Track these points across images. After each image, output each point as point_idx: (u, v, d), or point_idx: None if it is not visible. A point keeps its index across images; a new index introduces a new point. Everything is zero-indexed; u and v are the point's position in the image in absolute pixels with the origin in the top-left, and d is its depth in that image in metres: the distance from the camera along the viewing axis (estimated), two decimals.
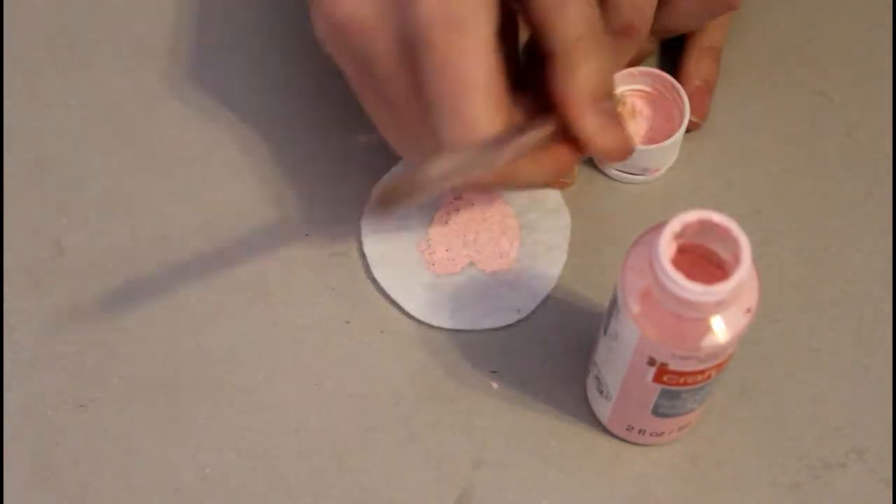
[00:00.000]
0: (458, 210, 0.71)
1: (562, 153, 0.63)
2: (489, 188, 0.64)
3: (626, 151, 0.62)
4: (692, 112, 0.70)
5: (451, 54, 0.59)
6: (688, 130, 0.70)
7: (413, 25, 0.59)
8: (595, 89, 0.61)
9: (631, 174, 0.71)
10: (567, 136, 0.62)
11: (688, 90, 0.71)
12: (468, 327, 0.69)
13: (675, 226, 0.55)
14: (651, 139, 0.71)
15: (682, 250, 0.56)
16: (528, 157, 0.61)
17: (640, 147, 0.69)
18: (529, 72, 0.64)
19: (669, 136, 0.70)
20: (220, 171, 0.72)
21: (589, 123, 0.61)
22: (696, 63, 0.72)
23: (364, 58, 0.61)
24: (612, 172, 0.72)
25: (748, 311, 0.56)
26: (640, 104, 0.72)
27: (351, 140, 0.72)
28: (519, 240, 0.70)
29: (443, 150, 0.59)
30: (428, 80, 0.59)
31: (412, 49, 0.59)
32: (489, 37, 0.59)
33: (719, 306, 0.55)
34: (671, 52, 0.73)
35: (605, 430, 0.66)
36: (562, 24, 0.60)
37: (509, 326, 0.69)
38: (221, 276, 0.70)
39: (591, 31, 0.61)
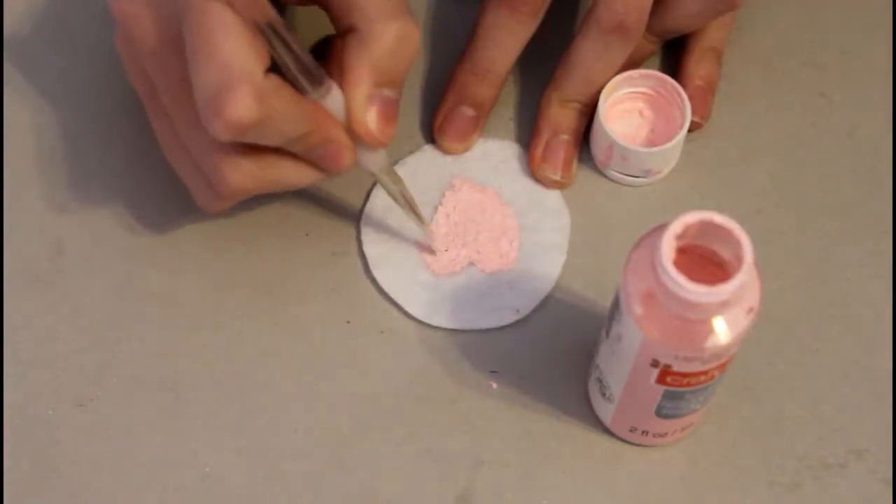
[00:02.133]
0: (458, 210, 0.71)
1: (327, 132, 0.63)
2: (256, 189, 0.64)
3: (378, 141, 0.63)
4: (694, 112, 0.70)
5: (202, 23, 0.58)
6: (690, 130, 0.70)
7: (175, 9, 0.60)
8: (382, 70, 0.61)
9: (632, 176, 0.71)
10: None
11: (689, 90, 0.71)
12: (468, 327, 0.69)
13: (676, 227, 0.55)
14: (652, 142, 0.71)
15: (682, 251, 0.56)
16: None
17: (644, 150, 0.69)
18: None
19: (671, 138, 0.70)
20: None
21: (359, 95, 0.62)
22: (697, 63, 0.72)
23: (140, 55, 0.62)
24: (613, 175, 0.72)
25: (750, 311, 0.56)
26: (641, 106, 0.72)
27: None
28: (519, 240, 0.70)
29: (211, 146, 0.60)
30: (189, 59, 0.59)
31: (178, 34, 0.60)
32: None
33: (722, 307, 0.55)
34: (673, 53, 0.73)
35: (605, 430, 0.66)
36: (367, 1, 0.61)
37: (509, 326, 0.69)
38: (221, 276, 0.70)
39: (392, 8, 0.61)
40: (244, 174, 0.62)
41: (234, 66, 0.58)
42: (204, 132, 0.60)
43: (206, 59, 0.58)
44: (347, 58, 0.62)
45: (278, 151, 0.62)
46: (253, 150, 0.61)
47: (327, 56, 0.64)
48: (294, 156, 0.62)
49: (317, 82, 0.61)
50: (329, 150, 0.63)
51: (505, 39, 0.70)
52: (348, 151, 0.63)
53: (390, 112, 0.63)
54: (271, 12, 0.58)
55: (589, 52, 0.69)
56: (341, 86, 0.62)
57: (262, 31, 0.58)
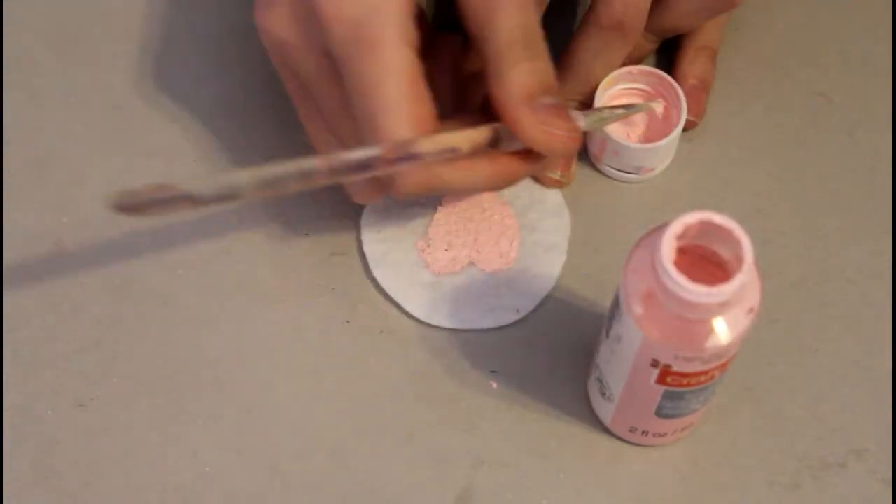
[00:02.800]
0: (458, 209, 0.71)
1: (503, 159, 0.63)
2: (415, 192, 0.64)
3: (569, 144, 0.62)
4: (689, 111, 0.70)
5: (364, 74, 0.59)
6: (685, 129, 0.71)
7: (330, 46, 0.60)
8: (529, 89, 0.61)
9: (625, 172, 0.71)
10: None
11: (684, 89, 0.71)
12: (468, 327, 0.69)
13: (676, 227, 0.55)
14: (648, 138, 0.71)
15: (682, 251, 0.56)
16: (463, 164, 0.61)
17: (635, 146, 0.70)
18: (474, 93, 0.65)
19: (666, 136, 0.70)
20: (219, 171, 0.72)
21: (525, 122, 0.61)
22: (692, 62, 0.72)
23: (296, 74, 0.63)
24: (606, 170, 0.72)
25: (750, 311, 0.56)
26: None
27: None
28: (519, 240, 0.70)
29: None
30: (350, 97, 0.60)
31: (335, 66, 0.61)
32: (403, 55, 0.60)
33: (722, 307, 0.55)
34: (668, 52, 0.73)
35: (605, 430, 0.66)
36: (493, 30, 0.61)
37: (509, 326, 0.69)
38: (221, 276, 0.70)
39: (523, 36, 0.61)
40: (417, 182, 0.62)
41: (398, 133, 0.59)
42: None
43: (371, 131, 0.60)
44: (492, 91, 0.62)
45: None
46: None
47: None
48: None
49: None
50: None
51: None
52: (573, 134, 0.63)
53: (556, 114, 0.62)
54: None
55: (588, 51, 0.69)
56: (499, 117, 0.62)
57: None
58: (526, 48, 0.61)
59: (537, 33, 0.62)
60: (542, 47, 0.62)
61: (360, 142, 0.61)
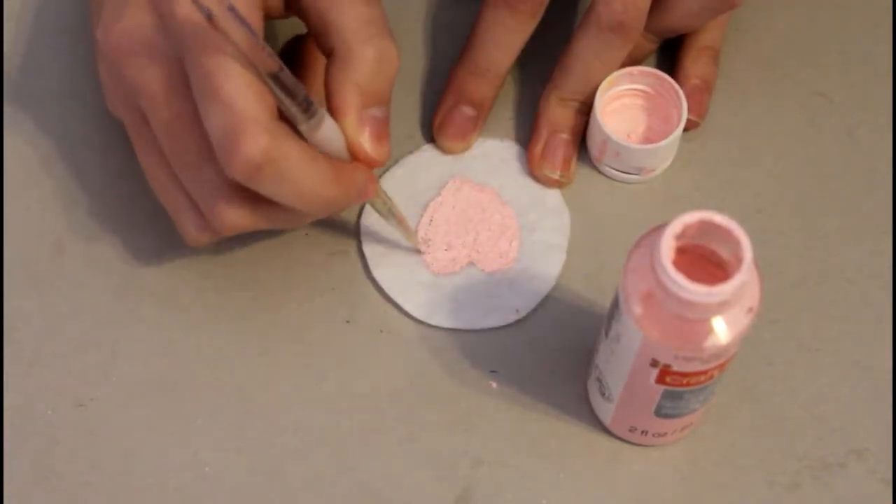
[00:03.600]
0: (458, 209, 0.71)
1: (344, 166, 0.63)
2: (280, 223, 0.64)
3: (375, 162, 0.63)
4: (690, 111, 0.70)
5: (210, 59, 0.59)
6: (686, 129, 0.70)
7: (181, 45, 0.60)
8: (366, 92, 0.62)
9: (625, 173, 0.71)
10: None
11: (685, 90, 0.71)
12: (467, 327, 0.69)
13: (675, 227, 0.55)
14: (648, 139, 0.71)
15: (681, 251, 0.56)
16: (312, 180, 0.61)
17: (636, 146, 0.70)
18: None
19: (666, 136, 0.70)
20: None
21: (350, 121, 0.62)
22: (694, 62, 0.72)
23: (138, 93, 0.62)
24: (607, 170, 0.72)
25: (750, 310, 0.56)
26: (639, 103, 0.72)
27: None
28: (519, 240, 0.70)
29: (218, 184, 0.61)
30: (197, 94, 0.60)
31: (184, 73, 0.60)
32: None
33: (722, 307, 0.55)
34: (669, 52, 0.73)
35: (604, 429, 0.66)
36: (341, 20, 0.62)
37: (509, 326, 0.69)
38: (221, 276, 0.70)
39: (369, 30, 0.62)
40: (241, 214, 0.62)
41: (245, 110, 0.58)
42: (201, 170, 0.61)
43: (217, 103, 0.58)
44: (331, 82, 0.63)
45: None
46: (251, 191, 0.61)
47: (300, 57, 0.66)
48: None
49: (311, 113, 0.60)
50: (359, 189, 0.64)
51: (504, 38, 0.70)
52: (372, 181, 0.64)
53: (382, 131, 0.63)
54: (270, 61, 0.58)
55: (588, 51, 0.69)
56: (330, 111, 0.62)
57: (263, 80, 0.59)
58: (371, 44, 0.62)
59: (383, 30, 0.63)
60: (386, 48, 0.63)
61: (204, 152, 0.60)
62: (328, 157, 0.62)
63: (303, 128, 0.61)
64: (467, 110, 0.72)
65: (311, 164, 0.60)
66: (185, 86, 0.60)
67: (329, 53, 0.63)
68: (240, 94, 0.58)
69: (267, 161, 0.58)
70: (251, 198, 0.61)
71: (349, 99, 0.62)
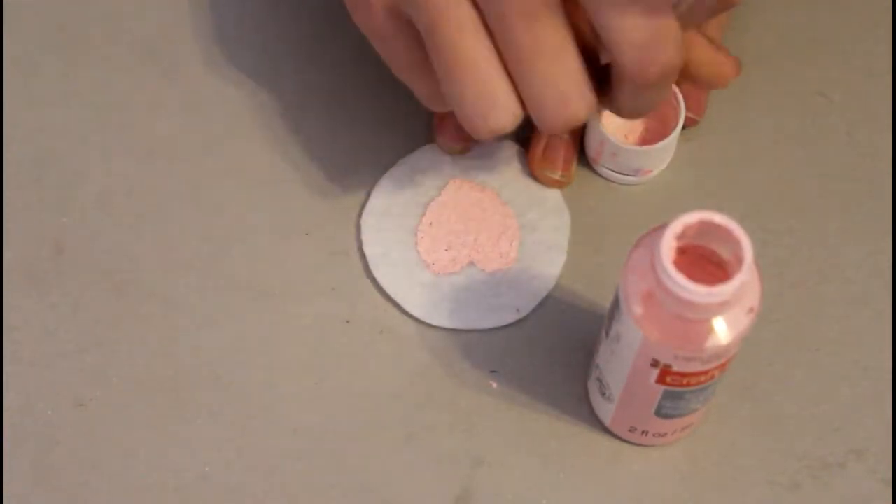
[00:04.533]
0: (458, 209, 0.71)
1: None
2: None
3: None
4: (690, 109, 0.70)
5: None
6: (685, 127, 0.70)
7: None
8: None
9: (622, 174, 0.71)
10: None
11: (685, 87, 0.71)
12: (467, 327, 0.69)
13: (676, 227, 0.55)
14: (645, 140, 0.71)
15: (682, 251, 0.56)
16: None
17: (633, 147, 0.70)
18: None
19: (663, 137, 0.70)
20: (219, 170, 0.72)
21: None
22: None
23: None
24: (604, 171, 0.72)
25: (750, 311, 0.56)
26: None
27: (351, 139, 0.73)
28: (519, 239, 0.70)
29: None
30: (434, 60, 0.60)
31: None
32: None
33: (722, 307, 0.55)
34: None
35: (604, 429, 0.66)
36: None
37: (509, 326, 0.69)
38: (221, 276, 0.70)
39: None
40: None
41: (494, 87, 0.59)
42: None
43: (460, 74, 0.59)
44: None
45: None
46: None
47: None
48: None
49: None
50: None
51: None
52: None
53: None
54: None
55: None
56: None
57: None
58: None
59: None
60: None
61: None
62: None
63: None
64: None
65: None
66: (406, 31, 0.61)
67: None
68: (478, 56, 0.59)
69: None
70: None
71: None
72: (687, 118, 0.70)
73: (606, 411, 0.65)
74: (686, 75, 0.64)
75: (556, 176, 0.71)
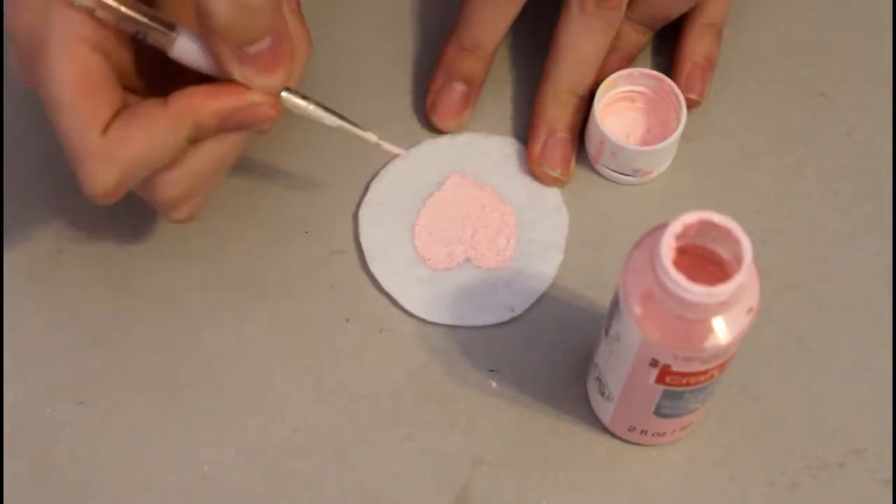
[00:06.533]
0: (456, 206, 0.71)
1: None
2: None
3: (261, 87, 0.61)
4: (691, 89, 0.70)
5: (39, 78, 0.59)
6: (688, 108, 0.70)
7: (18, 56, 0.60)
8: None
9: (622, 174, 0.71)
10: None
11: (687, 67, 0.71)
12: (462, 323, 0.69)
13: (676, 227, 0.55)
14: (647, 141, 0.71)
15: (682, 251, 0.56)
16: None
17: (633, 147, 0.70)
18: None
19: (664, 139, 0.70)
20: None
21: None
22: (697, 40, 0.72)
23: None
24: (604, 171, 0.72)
25: (750, 311, 0.56)
26: (638, 105, 0.71)
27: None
28: (516, 238, 0.70)
29: None
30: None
31: None
32: (74, 55, 0.58)
33: (721, 307, 0.55)
34: (672, 31, 0.73)
35: (604, 429, 0.66)
36: None
37: (509, 325, 0.69)
38: (221, 275, 0.70)
39: None
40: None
41: (76, 139, 0.58)
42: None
43: (56, 116, 0.59)
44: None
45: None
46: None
47: None
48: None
49: (170, 28, 0.59)
50: (247, 116, 0.61)
51: (492, 15, 0.70)
52: (266, 105, 0.61)
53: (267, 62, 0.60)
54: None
55: (573, 36, 0.69)
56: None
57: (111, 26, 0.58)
58: None
59: None
60: None
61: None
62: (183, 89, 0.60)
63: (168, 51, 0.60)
64: (458, 87, 0.72)
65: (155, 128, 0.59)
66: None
67: None
68: (72, 119, 0.58)
69: (119, 182, 0.59)
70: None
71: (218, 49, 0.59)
72: (688, 100, 0.70)
73: (606, 411, 0.65)
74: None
75: (555, 173, 0.71)
